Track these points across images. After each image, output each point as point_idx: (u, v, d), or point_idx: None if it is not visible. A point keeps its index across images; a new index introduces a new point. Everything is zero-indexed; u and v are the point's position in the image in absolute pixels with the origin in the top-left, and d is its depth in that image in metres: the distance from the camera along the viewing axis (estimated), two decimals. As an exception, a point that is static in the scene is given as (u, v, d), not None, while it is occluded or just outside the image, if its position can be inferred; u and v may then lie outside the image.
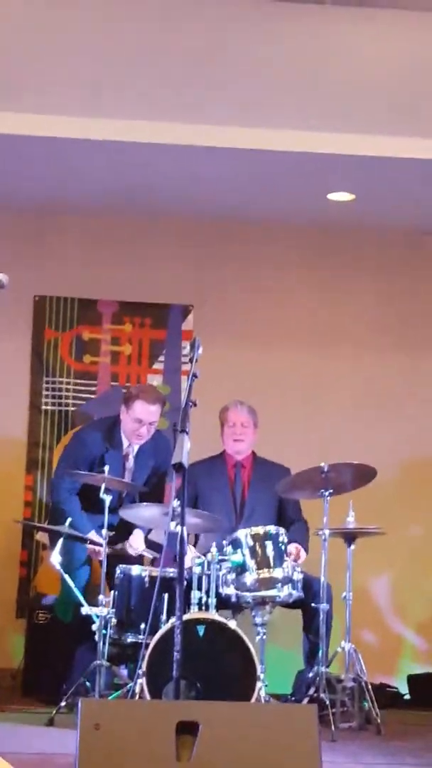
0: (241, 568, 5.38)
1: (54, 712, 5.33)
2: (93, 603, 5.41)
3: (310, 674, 5.59)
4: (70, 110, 5.72)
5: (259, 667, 5.13)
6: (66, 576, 5.55)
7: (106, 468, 5.51)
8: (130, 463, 6.03)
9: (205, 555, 5.44)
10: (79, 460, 5.93)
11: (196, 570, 5.36)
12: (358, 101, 5.68)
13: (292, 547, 5.65)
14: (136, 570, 5.53)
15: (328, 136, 5.85)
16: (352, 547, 5.74)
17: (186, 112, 5.73)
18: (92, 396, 6.99)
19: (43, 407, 7.00)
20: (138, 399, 5.88)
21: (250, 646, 5.15)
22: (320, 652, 5.53)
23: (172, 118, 5.77)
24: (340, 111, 5.70)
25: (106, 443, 5.96)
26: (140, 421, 5.88)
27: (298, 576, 5.43)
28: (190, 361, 4.55)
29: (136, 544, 5.86)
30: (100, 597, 5.38)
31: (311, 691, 5.48)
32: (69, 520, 5.67)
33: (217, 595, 5.35)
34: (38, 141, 5.84)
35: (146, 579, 5.47)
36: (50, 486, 6.61)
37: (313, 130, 5.82)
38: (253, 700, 4.98)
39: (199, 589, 5.33)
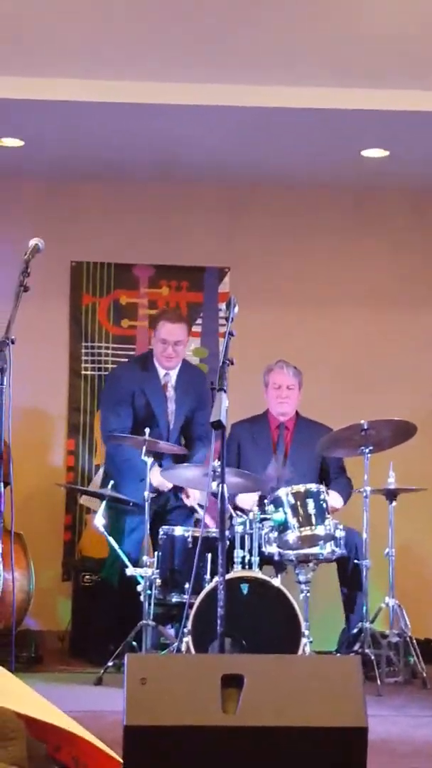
0: (283, 527, 5.41)
1: (102, 671, 5.41)
2: (138, 564, 5.47)
3: (354, 630, 5.62)
4: (106, 74, 5.70)
5: (303, 624, 5.17)
6: (110, 538, 5.60)
7: (147, 431, 5.55)
8: (170, 392, 6.10)
9: (246, 514, 5.48)
10: (119, 397, 6.00)
11: (239, 529, 5.39)
12: (390, 55, 5.61)
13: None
14: (179, 531, 5.58)
15: (361, 92, 5.81)
16: (394, 504, 5.75)
17: (214, 72, 5.69)
18: (132, 360, 6.99)
19: (83, 372, 7.05)
20: (161, 320, 6.08)
21: (294, 603, 5.19)
22: (363, 607, 5.56)
23: (199, 78, 5.74)
24: (372, 66, 5.64)
25: (140, 373, 6.07)
26: (165, 341, 5.99)
27: (340, 533, 5.45)
28: (227, 320, 4.56)
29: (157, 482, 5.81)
30: (145, 558, 5.44)
31: (356, 647, 5.51)
32: (111, 483, 5.72)
33: (260, 553, 5.39)
34: (70, 105, 5.83)
35: (189, 539, 5.52)
36: (96, 431, 6.71)
37: (345, 86, 5.78)
38: (298, 656, 5.02)
39: (242, 548, 5.37)
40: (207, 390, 5.72)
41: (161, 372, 6.11)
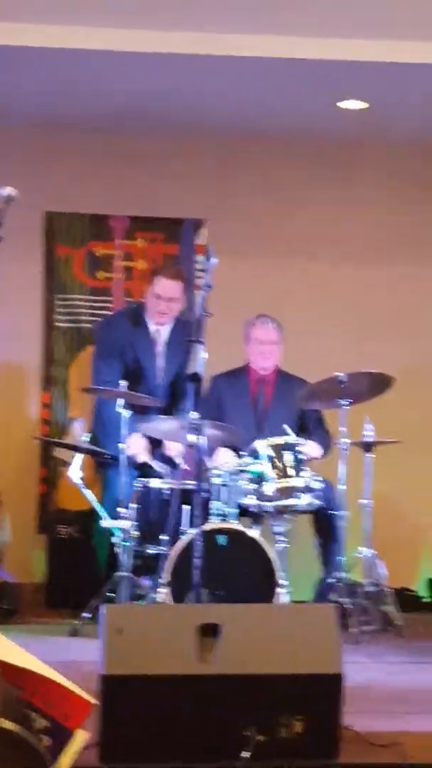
0: (260, 478, 5.41)
1: (78, 622, 5.42)
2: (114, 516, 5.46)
3: (330, 580, 5.65)
4: (74, 19, 5.61)
5: (280, 575, 5.19)
6: (87, 491, 5.59)
7: (123, 383, 5.52)
8: (160, 347, 6.07)
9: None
10: (109, 349, 5.97)
11: (216, 481, 5.39)
12: (369, 4, 5.55)
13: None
14: (155, 482, 5.57)
15: (340, 41, 5.74)
16: (370, 455, 5.77)
17: (190, 20, 5.61)
18: (107, 312, 6.93)
19: (57, 324, 7.00)
20: (157, 275, 6.01)
21: (271, 554, 5.21)
22: (339, 558, 5.59)
23: (176, 26, 5.66)
24: (349, 15, 5.58)
25: (130, 327, 6.02)
26: (159, 296, 5.94)
27: (317, 485, 5.46)
28: (204, 272, 4.53)
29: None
30: (121, 510, 5.43)
31: (332, 596, 5.54)
32: (88, 436, 5.69)
33: (238, 505, 5.39)
34: (43, 52, 5.73)
35: (166, 491, 5.51)
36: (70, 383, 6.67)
37: (325, 36, 5.71)
38: (274, 606, 5.04)
39: (219, 499, 5.37)
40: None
41: (152, 328, 6.05)
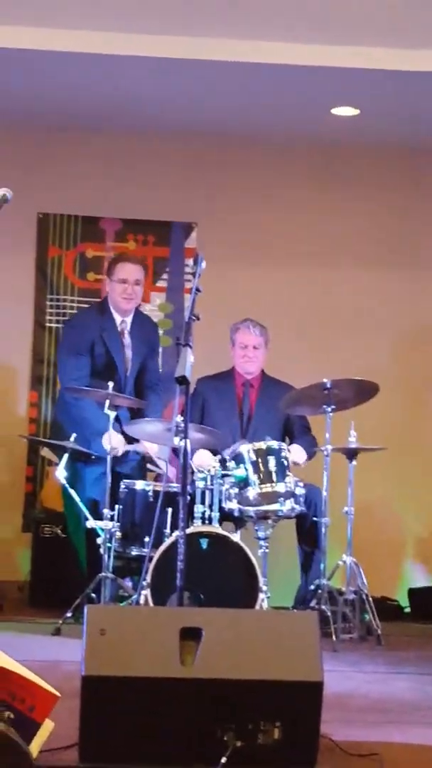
0: (244, 483, 5.43)
1: (60, 622, 5.44)
2: (98, 517, 5.49)
3: (311, 586, 5.68)
4: (73, 23, 5.64)
5: (261, 580, 5.22)
6: (71, 491, 5.61)
7: (110, 385, 5.54)
8: (127, 339, 6.12)
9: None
10: (79, 345, 6.02)
11: (199, 484, 5.42)
12: (362, 12, 5.58)
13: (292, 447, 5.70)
14: (140, 485, 5.60)
15: (331, 48, 5.78)
16: (354, 463, 5.79)
17: (184, 25, 5.65)
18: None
19: (47, 324, 7.03)
20: (119, 261, 6.12)
21: (253, 558, 5.23)
22: (321, 564, 5.61)
23: (170, 31, 5.69)
24: (343, 23, 5.61)
25: (98, 321, 6.07)
26: (125, 281, 6.02)
27: (300, 490, 5.49)
28: (193, 275, 4.57)
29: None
30: (105, 511, 5.45)
31: (313, 603, 5.56)
32: (74, 435, 5.71)
33: (220, 509, 5.42)
34: (36, 54, 5.76)
35: (150, 493, 5.54)
36: (58, 383, 6.63)
37: (316, 42, 5.75)
38: (255, 611, 5.06)
39: (203, 503, 5.40)
40: (158, 337, 6.11)
41: (118, 319, 6.10)
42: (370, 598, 5.65)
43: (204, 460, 5.73)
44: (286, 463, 5.50)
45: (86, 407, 5.79)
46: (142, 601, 5.10)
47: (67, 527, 6.24)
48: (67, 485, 5.61)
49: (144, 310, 6.57)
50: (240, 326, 6.16)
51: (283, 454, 5.51)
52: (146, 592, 5.11)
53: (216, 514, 5.38)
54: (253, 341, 6.13)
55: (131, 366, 6.12)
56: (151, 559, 5.13)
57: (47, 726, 2.93)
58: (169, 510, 5.34)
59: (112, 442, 5.60)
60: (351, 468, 5.77)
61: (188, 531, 4.95)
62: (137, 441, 5.93)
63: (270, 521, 5.50)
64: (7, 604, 6.23)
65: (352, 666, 5.00)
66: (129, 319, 6.13)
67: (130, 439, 5.90)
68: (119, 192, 7.08)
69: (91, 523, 5.48)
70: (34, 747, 2.85)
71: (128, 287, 6.02)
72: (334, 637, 5.36)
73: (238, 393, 6.19)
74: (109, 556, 5.42)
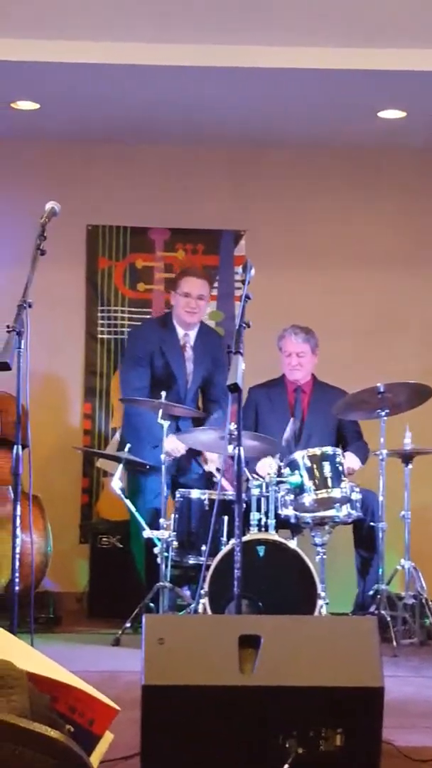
0: (299, 489, 5.42)
1: (120, 632, 5.46)
2: (155, 527, 5.50)
3: (370, 592, 5.65)
4: (121, 36, 5.66)
5: (319, 586, 5.20)
6: (127, 501, 5.64)
7: (163, 394, 5.57)
8: (189, 352, 6.14)
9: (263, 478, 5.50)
10: (138, 356, 6.06)
11: (255, 492, 5.41)
12: (407, 15, 5.56)
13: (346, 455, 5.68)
14: (195, 493, 5.61)
15: (377, 51, 5.76)
16: (410, 466, 5.76)
17: (233, 34, 5.65)
18: (147, 324, 6.98)
19: (99, 336, 7.06)
20: (185, 276, 6.14)
21: (310, 565, 5.22)
22: (379, 570, 5.59)
23: (217, 40, 5.70)
24: (390, 26, 5.59)
25: (159, 333, 6.10)
26: (188, 294, 6.03)
27: (356, 496, 5.46)
28: (243, 283, 4.57)
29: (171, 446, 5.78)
30: (161, 520, 5.47)
31: (372, 608, 5.54)
32: (128, 446, 5.74)
33: (276, 516, 5.41)
34: (90, 68, 5.80)
35: (206, 502, 5.55)
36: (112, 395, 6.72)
37: (360, 46, 5.73)
38: (314, 617, 5.04)
39: (258, 510, 5.39)
40: (224, 352, 5.89)
41: (180, 332, 6.12)
42: (430, 603, 5.61)
43: (269, 469, 5.72)
44: (341, 468, 5.48)
45: (146, 418, 5.80)
46: (200, 609, 5.11)
47: (128, 537, 6.26)
48: (122, 496, 5.63)
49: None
50: (284, 334, 6.15)
51: (338, 459, 5.49)
52: (204, 601, 5.12)
53: (272, 521, 5.37)
54: (296, 348, 6.10)
55: (192, 378, 6.13)
56: (208, 567, 5.13)
57: (107, 738, 2.94)
58: (225, 518, 5.35)
59: (171, 445, 5.63)
60: (407, 472, 5.74)
61: (245, 539, 4.96)
62: (199, 454, 5.95)
63: (326, 527, 5.49)
64: (65, 615, 6.26)
65: (413, 671, 4.97)
66: (193, 333, 6.15)
67: (193, 452, 5.93)
68: (167, 202, 7.10)
69: (147, 533, 5.50)
70: (94, 759, 2.85)
71: (191, 301, 6.04)
72: (394, 642, 5.33)
73: (290, 399, 6.18)
74: (166, 566, 5.43)
